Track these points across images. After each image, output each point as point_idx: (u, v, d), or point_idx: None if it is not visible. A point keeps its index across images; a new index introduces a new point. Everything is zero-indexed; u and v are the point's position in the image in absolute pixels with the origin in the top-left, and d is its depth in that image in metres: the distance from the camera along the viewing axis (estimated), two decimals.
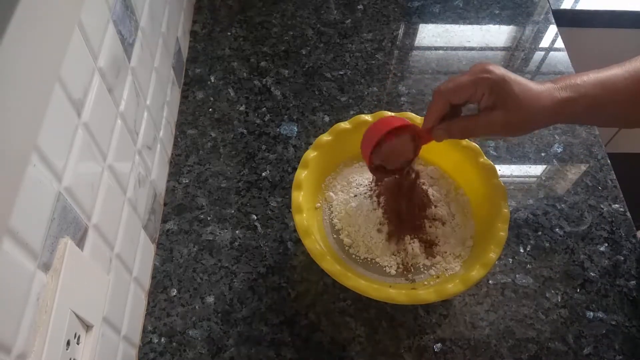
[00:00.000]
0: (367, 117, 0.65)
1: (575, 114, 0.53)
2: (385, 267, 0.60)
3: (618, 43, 1.11)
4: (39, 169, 0.36)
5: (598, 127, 0.80)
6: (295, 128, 0.78)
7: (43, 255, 0.37)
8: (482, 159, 0.63)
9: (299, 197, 0.59)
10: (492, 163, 0.62)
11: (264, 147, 0.76)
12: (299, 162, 0.62)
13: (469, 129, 0.53)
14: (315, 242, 0.55)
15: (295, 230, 0.67)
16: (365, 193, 0.65)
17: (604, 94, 0.52)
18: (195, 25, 0.90)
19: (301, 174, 0.60)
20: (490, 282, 0.65)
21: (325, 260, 0.54)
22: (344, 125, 0.65)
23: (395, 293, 0.53)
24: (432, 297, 0.53)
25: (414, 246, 0.60)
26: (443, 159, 0.67)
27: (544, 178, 0.75)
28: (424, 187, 0.65)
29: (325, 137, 0.64)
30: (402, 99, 0.82)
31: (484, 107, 0.52)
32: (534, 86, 0.51)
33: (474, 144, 0.64)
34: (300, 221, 0.57)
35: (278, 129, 0.77)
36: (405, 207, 0.61)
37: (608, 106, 0.53)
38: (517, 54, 0.90)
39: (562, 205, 0.72)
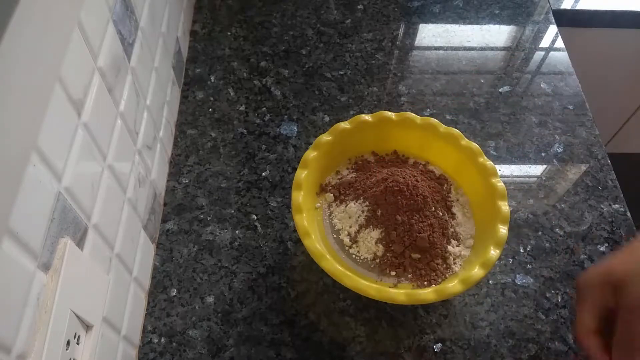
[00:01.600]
0: (367, 117, 0.65)
1: None
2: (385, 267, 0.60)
3: (618, 43, 1.11)
4: (39, 169, 0.36)
5: None
6: (295, 128, 0.78)
7: (43, 255, 0.37)
8: (482, 159, 0.63)
9: (299, 197, 0.58)
10: (492, 163, 0.62)
11: (264, 147, 0.76)
12: (299, 162, 0.62)
13: None
14: (315, 242, 0.55)
15: (295, 230, 0.67)
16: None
17: None
18: (195, 25, 0.90)
19: (301, 174, 0.60)
20: (490, 282, 0.65)
21: (325, 260, 0.54)
22: (344, 125, 0.65)
23: (395, 293, 0.53)
24: (432, 297, 0.53)
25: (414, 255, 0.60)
26: (443, 159, 0.67)
27: (544, 178, 0.75)
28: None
29: (325, 137, 0.64)
30: (402, 99, 0.82)
31: None
32: None
33: (474, 144, 0.64)
34: (300, 221, 0.57)
35: (278, 129, 0.77)
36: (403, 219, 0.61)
37: None
38: (517, 54, 0.90)
39: (562, 205, 0.72)
